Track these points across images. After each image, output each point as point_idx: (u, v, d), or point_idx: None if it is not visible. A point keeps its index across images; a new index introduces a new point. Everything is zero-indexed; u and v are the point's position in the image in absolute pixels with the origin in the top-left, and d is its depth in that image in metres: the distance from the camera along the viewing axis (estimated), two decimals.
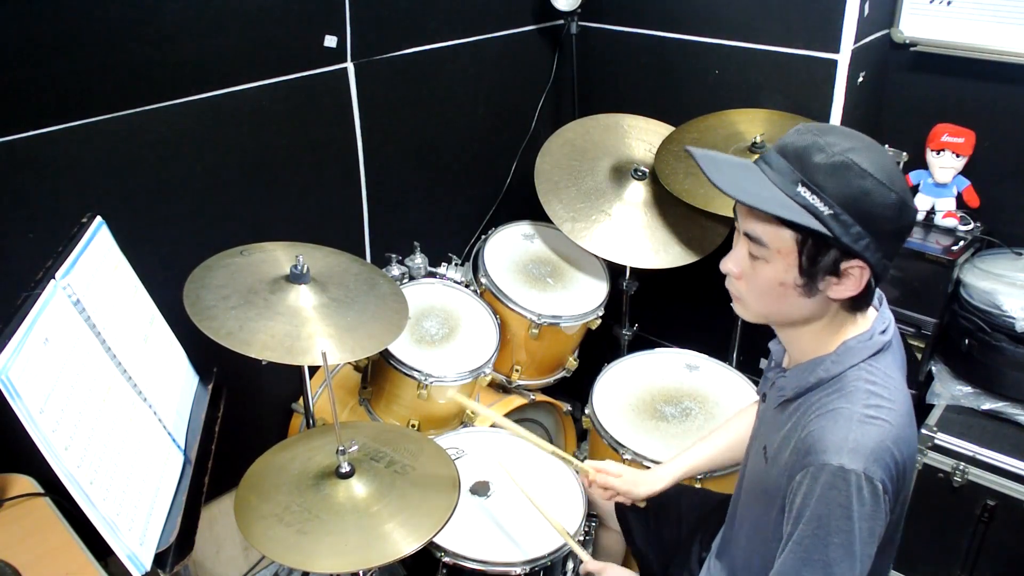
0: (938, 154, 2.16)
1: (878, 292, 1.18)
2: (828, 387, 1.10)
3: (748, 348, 2.33)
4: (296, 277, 1.58)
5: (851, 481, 1.00)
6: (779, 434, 1.15)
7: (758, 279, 1.10)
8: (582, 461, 1.62)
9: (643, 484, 1.55)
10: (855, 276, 1.05)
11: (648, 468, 1.78)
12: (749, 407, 1.59)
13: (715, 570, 1.40)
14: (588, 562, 1.49)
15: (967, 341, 2.03)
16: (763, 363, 2.38)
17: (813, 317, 1.11)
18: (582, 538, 1.62)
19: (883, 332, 1.12)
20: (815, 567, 1.04)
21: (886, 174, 1.01)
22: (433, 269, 2.26)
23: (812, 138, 1.03)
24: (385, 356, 1.93)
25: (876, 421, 1.03)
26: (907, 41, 2.20)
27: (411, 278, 2.22)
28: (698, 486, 1.76)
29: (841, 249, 1.02)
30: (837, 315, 1.11)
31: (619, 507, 1.66)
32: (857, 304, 1.10)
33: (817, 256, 1.03)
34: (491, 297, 2.16)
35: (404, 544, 1.30)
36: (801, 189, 1.01)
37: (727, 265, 1.14)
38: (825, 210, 1.00)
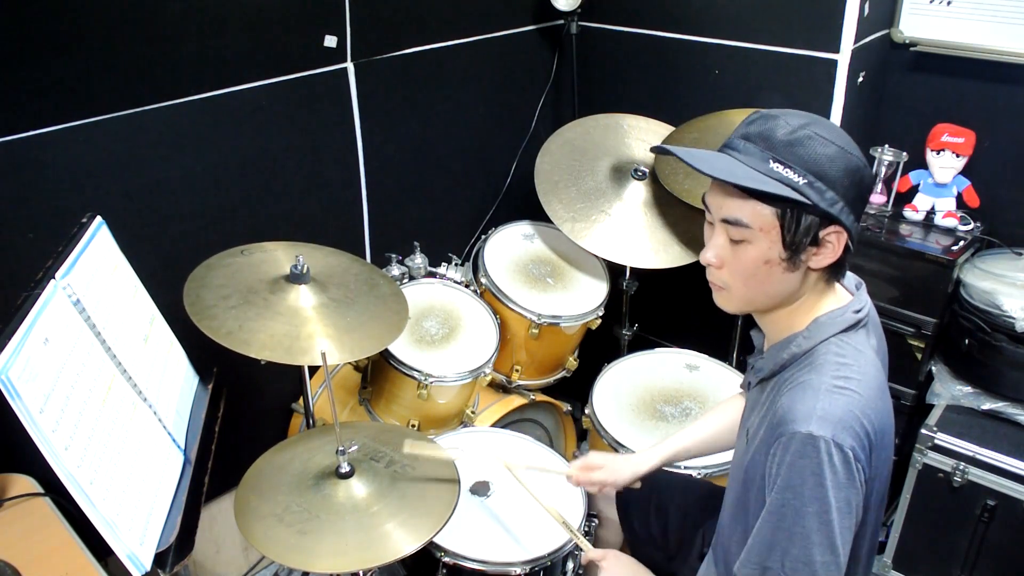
0: (938, 154, 2.16)
1: (856, 279, 1.22)
2: (800, 363, 1.12)
3: (748, 348, 2.32)
4: (296, 277, 1.58)
5: (820, 448, 1.01)
6: (758, 414, 1.17)
7: (742, 262, 1.11)
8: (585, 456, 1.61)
9: (626, 469, 1.53)
10: (833, 242, 1.08)
11: None
12: (737, 395, 1.59)
13: (709, 562, 1.40)
14: (589, 551, 1.49)
15: (967, 341, 2.03)
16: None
17: (795, 294, 1.14)
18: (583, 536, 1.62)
19: (857, 311, 1.14)
20: (793, 536, 1.03)
21: (844, 140, 1.07)
22: (433, 269, 2.26)
23: (769, 121, 1.08)
24: (385, 356, 1.93)
25: (844, 391, 1.05)
26: (907, 41, 2.20)
27: (411, 278, 2.22)
28: (700, 477, 1.77)
29: (819, 215, 1.06)
30: (815, 287, 1.14)
31: (620, 503, 1.66)
32: (834, 271, 1.13)
33: (798, 227, 1.06)
34: (491, 297, 2.16)
35: (404, 544, 1.31)
36: (773, 164, 1.05)
37: (707, 256, 1.15)
38: (799, 180, 1.04)
